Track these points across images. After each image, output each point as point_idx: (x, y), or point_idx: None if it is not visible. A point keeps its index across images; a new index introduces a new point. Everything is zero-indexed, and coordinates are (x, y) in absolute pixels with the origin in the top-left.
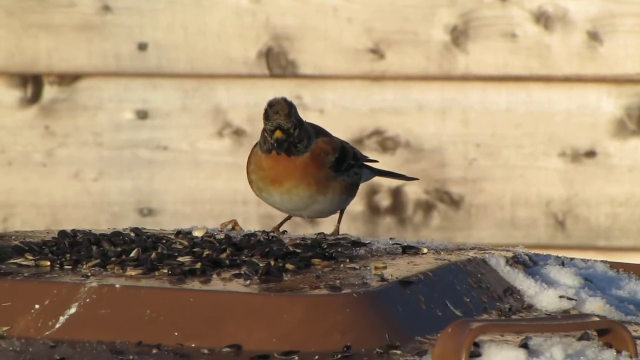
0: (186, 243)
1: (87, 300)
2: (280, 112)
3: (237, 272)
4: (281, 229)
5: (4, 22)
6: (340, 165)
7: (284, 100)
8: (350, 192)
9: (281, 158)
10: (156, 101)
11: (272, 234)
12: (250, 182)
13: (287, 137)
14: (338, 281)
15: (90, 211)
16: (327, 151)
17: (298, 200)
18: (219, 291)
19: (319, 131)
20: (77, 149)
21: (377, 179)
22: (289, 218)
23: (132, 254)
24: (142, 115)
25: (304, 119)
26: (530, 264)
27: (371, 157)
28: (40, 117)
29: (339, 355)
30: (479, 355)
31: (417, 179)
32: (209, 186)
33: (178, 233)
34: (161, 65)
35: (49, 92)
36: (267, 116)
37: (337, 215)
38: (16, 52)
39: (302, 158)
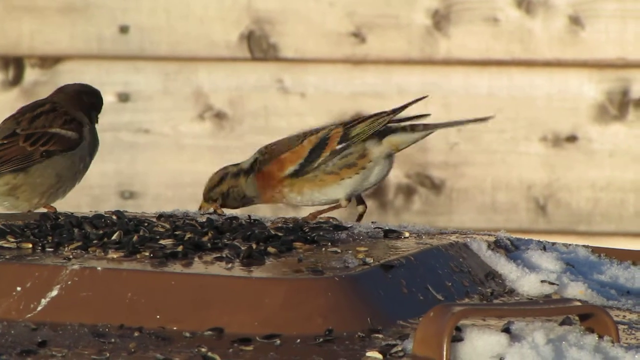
0: (168, 226)
1: (69, 282)
2: (208, 184)
3: (219, 255)
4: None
5: None
6: (309, 166)
7: (218, 177)
8: (335, 179)
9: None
10: (138, 84)
11: (253, 216)
12: None
13: (210, 204)
14: (320, 265)
15: (71, 194)
16: (281, 167)
17: (302, 204)
18: (200, 274)
19: (280, 146)
20: None
21: None
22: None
23: (113, 237)
24: (124, 98)
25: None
26: (511, 249)
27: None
28: (21, 99)
29: (321, 339)
30: (461, 339)
31: (483, 119)
32: (191, 169)
33: (160, 216)
34: (143, 48)
35: (31, 74)
36: None
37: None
38: None
39: (259, 198)
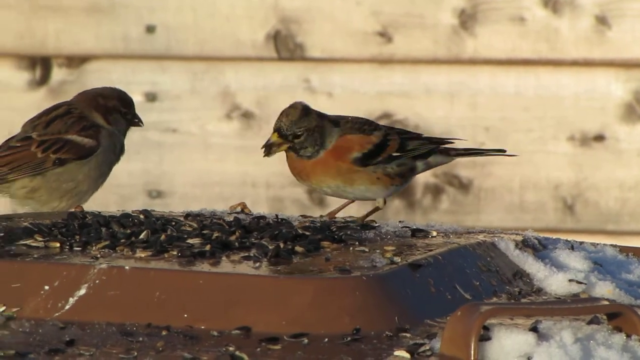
0: (195, 225)
1: (97, 281)
2: (289, 116)
3: (247, 254)
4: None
5: (13, 4)
6: (370, 160)
7: (302, 107)
8: (386, 183)
9: (294, 160)
10: (165, 84)
11: (280, 215)
12: None
13: (284, 142)
14: (347, 264)
15: (99, 193)
16: (349, 148)
17: (330, 191)
18: (228, 273)
19: (356, 125)
20: None
21: None
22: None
23: (141, 236)
24: (151, 97)
25: (331, 116)
26: (539, 248)
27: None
28: (48, 99)
29: (349, 338)
30: (489, 338)
31: (504, 150)
32: (218, 169)
33: (187, 215)
34: (170, 48)
35: (58, 74)
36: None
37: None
38: (25, 34)
39: (315, 159)
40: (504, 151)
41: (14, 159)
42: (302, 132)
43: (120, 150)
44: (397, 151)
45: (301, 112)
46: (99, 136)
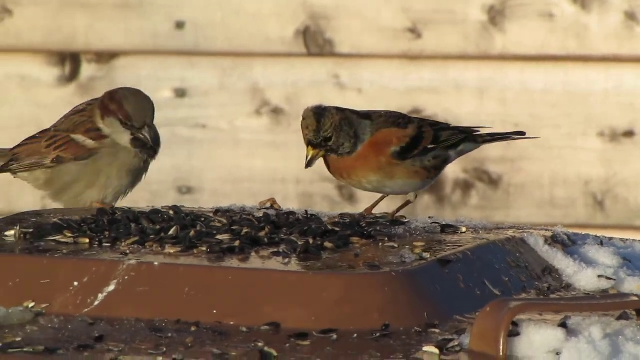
0: (225, 221)
1: (126, 277)
2: (309, 126)
3: (276, 250)
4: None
5: (42, 0)
6: (408, 153)
7: (313, 112)
8: (423, 176)
9: (334, 161)
10: (194, 80)
11: (310, 211)
12: None
13: (320, 149)
14: (377, 260)
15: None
16: (388, 142)
17: (370, 187)
18: (257, 269)
19: (390, 119)
20: None
21: None
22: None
23: (170, 232)
24: (181, 93)
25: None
26: (568, 244)
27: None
28: (78, 95)
29: (378, 334)
30: (518, 334)
31: (524, 133)
32: (248, 165)
33: (217, 211)
34: (199, 44)
35: (87, 70)
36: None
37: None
38: (54, 30)
39: (353, 156)
40: (524, 134)
41: (25, 149)
42: (331, 132)
43: (120, 156)
44: (432, 143)
45: (316, 116)
46: (102, 141)
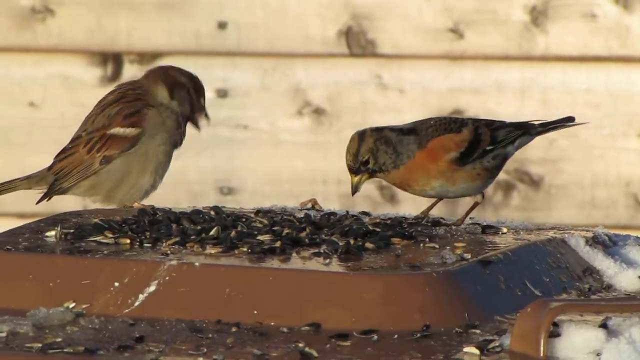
0: (266, 222)
1: (167, 278)
2: (350, 150)
3: (317, 250)
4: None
5: (85, 0)
6: (467, 158)
7: (357, 135)
8: (486, 177)
9: (389, 178)
10: (236, 80)
11: (351, 211)
12: None
13: (361, 175)
14: (418, 260)
15: (170, 190)
16: (446, 149)
17: (433, 193)
18: (298, 270)
19: (441, 127)
20: None
21: None
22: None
23: (211, 232)
24: (222, 94)
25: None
26: (609, 244)
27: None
28: None
29: (418, 335)
30: (558, 335)
31: (573, 119)
32: (289, 165)
33: (258, 212)
34: (241, 45)
35: (129, 70)
36: None
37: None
38: (97, 30)
39: (403, 168)
40: (573, 119)
41: (66, 163)
42: (367, 156)
43: (171, 129)
44: (490, 144)
45: (358, 139)
46: (144, 121)
